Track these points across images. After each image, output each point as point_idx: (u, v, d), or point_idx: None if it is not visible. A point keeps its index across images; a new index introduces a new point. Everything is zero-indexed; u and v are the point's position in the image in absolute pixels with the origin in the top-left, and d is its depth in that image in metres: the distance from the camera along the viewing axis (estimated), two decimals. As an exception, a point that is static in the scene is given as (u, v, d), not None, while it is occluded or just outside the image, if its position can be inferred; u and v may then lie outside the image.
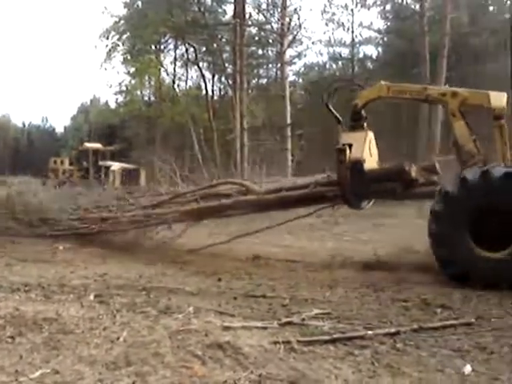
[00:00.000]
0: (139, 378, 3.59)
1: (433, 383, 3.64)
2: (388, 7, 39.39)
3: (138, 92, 43.91)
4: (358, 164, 8.35)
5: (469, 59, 31.96)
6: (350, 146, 8.38)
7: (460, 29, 30.89)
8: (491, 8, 37.83)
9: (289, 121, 28.56)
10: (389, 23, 40.07)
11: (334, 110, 9.27)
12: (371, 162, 8.65)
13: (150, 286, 6.84)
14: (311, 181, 9.73)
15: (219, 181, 12.39)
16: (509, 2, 36.85)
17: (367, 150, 8.56)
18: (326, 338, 4.51)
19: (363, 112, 8.94)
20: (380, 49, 42.16)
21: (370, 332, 4.67)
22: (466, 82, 30.34)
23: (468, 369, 3.86)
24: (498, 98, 8.08)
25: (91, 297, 6.13)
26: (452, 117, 8.36)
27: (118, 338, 4.38)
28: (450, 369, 3.88)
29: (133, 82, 39.59)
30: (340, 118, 9.31)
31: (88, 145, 30.43)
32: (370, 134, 8.77)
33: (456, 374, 3.80)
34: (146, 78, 39.94)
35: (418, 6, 30.99)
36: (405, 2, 38.58)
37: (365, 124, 8.93)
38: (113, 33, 34.50)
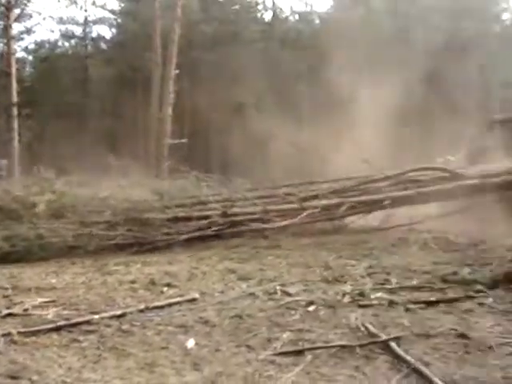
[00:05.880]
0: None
1: (157, 361, 3.70)
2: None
3: None
4: None
5: (199, 46, 33.12)
6: None
7: (191, 16, 31.73)
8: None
9: (15, 99, 26.69)
10: (123, 4, 39.54)
11: None
12: None
13: None
14: None
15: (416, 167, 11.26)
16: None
17: None
18: (50, 326, 4.36)
19: None
20: (114, 30, 41.33)
21: (96, 316, 4.61)
22: (196, 69, 31.77)
23: (191, 343, 4.01)
24: None
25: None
26: None
27: None
28: (174, 345, 4.00)
29: None
30: None
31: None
32: None
33: (180, 349, 3.92)
34: None
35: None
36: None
37: None
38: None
